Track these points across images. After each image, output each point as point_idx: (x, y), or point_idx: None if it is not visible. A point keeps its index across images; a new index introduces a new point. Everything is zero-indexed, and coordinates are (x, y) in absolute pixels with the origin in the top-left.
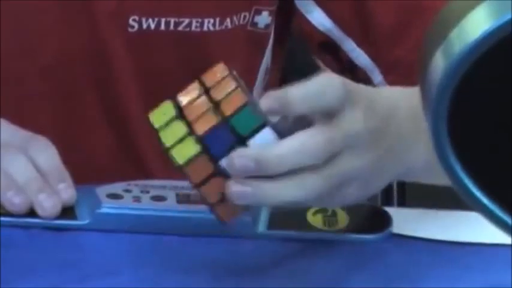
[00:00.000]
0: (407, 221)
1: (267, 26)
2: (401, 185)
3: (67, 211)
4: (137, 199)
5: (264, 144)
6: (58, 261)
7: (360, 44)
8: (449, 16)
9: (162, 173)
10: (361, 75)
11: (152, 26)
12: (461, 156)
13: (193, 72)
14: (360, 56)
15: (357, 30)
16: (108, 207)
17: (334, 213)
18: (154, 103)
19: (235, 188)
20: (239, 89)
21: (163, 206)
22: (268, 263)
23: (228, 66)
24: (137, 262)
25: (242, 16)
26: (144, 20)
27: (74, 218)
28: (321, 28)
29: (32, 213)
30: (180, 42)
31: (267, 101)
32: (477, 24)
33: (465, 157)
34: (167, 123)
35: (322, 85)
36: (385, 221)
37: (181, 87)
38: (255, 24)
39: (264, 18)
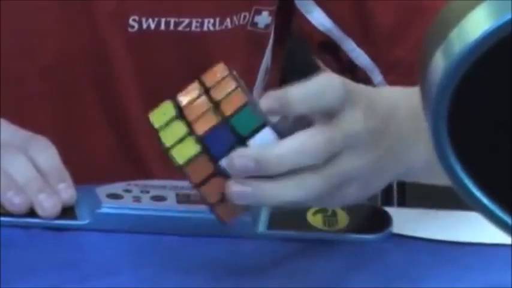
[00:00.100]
0: (407, 221)
1: (267, 26)
2: (401, 185)
3: (67, 211)
4: (137, 199)
5: (264, 144)
6: (58, 261)
7: (360, 44)
8: (449, 16)
9: (162, 173)
10: (361, 75)
11: (152, 26)
12: (461, 156)
13: (193, 72)
14: (360, 56)
15: (357, 30)
16: (108, 207)
17: (334, 213)
18: (154, 103)
19: (235, 188)
20: (239, 89)
21: (163, 206)
22: (268, 263)
23: (228, 66)
24: (137, 262)
25: (242, 16)
26: (144, 20)
27: (74, 218)
28: (321, 28)
29: (32, 213)
30: (180, 42)
31: (267, 101)
32: (477, 24)
33: (465, 157)
34: (167, 123)
35: (322, 85)
36: (385, 221)
37: (181, 87)
38: (255, 24)
39: (264, 18)
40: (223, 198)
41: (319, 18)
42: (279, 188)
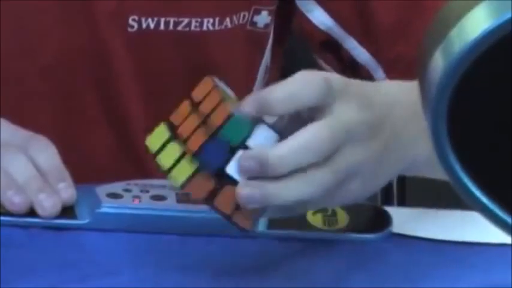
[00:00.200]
0: (407, 221)
1: (267, 26)
2: (401, 184)
3: (67, 211)
4: (137, 198)
5: (265, 144)
6: (58, 261)
7: (361, 42)
8: (449, 15)
9: (161, 172)
10: (363, 74)
11: (152, 26)
12: (461, 156)
13: (193, 71)
14: (361, 54)
15: (357, 29)
16: (108, 207)
17: (334, 213)
18: (154, 103)
19: (244, 191)
20: (224, 99)
21: (163, 205)
22: (268, 263)
23: (214, 78)
24: (137, 262)
25: (241, 16)
26: (143, 19)
27: (74, 217)
28: (321, 27)
29: (32, 212)
30: (179, 42)
31: (248, 105)
32: (477, 23)
33: (465, 157)
34: (162, 146)
35: (301, 83)
36: (385, 220)
37: (181, 87)
38: (254, 24)
39: (263, 18)
40: (238, 207)
41: (319, 17)
42: (287, 186)
